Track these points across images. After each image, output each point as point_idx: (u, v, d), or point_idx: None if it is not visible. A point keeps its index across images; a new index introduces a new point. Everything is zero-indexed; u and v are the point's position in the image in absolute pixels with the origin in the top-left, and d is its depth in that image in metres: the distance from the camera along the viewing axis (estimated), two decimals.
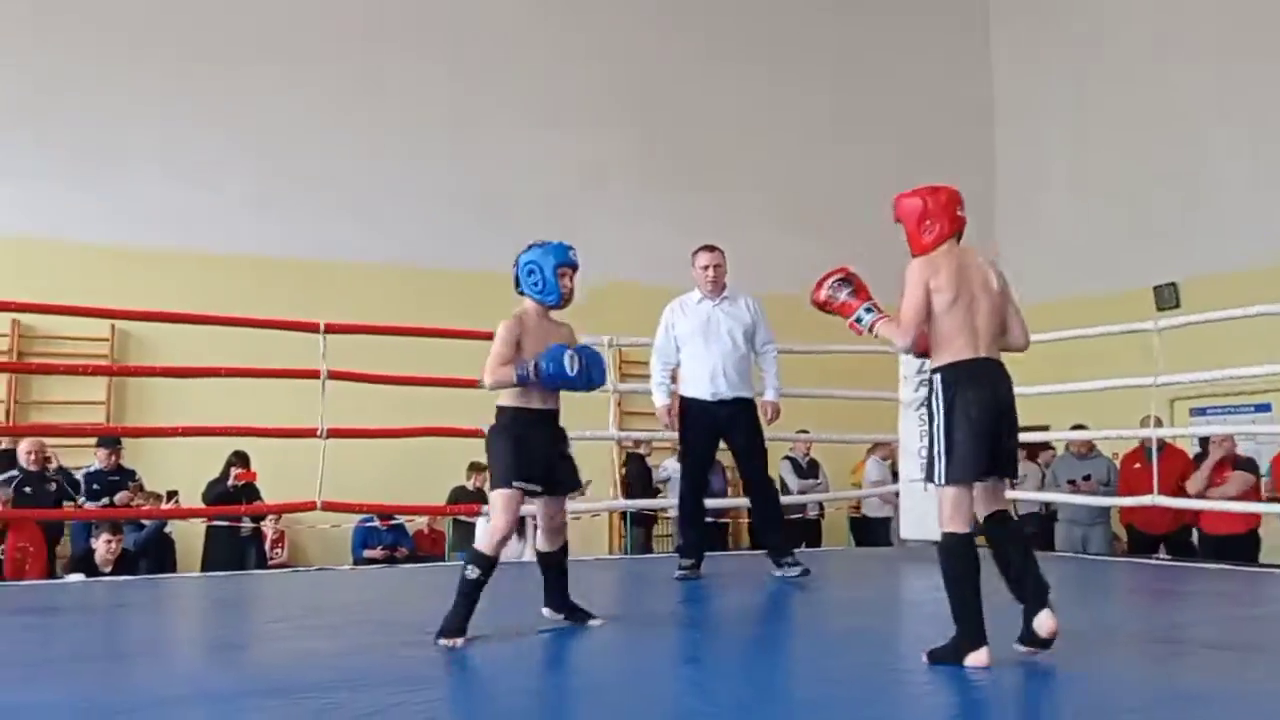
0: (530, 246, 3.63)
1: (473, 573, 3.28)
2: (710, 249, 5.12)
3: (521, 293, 3.63)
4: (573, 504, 8.07)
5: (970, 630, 2.89)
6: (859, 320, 3.22)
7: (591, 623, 3.61)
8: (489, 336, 6.44)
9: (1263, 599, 4.97)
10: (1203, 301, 8.12)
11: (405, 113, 10.56)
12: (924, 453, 3.25)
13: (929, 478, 3.03)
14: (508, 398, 3.53)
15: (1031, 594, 2.96)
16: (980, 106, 13.34)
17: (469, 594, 3.28)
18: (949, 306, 3.00)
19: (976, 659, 2.86)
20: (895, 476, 7.97)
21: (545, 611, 3.66)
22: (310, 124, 10.18)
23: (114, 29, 9.68)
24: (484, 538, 3.36)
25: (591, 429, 6.65)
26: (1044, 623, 2.91)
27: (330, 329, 5.77)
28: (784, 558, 4.99)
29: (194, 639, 4.13)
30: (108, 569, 6.40)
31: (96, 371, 8.08)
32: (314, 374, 5.65)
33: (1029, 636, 2.95)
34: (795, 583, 4.88)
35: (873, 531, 9.86)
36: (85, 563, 6.47)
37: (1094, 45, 12.07)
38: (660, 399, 5.21)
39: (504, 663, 3.21)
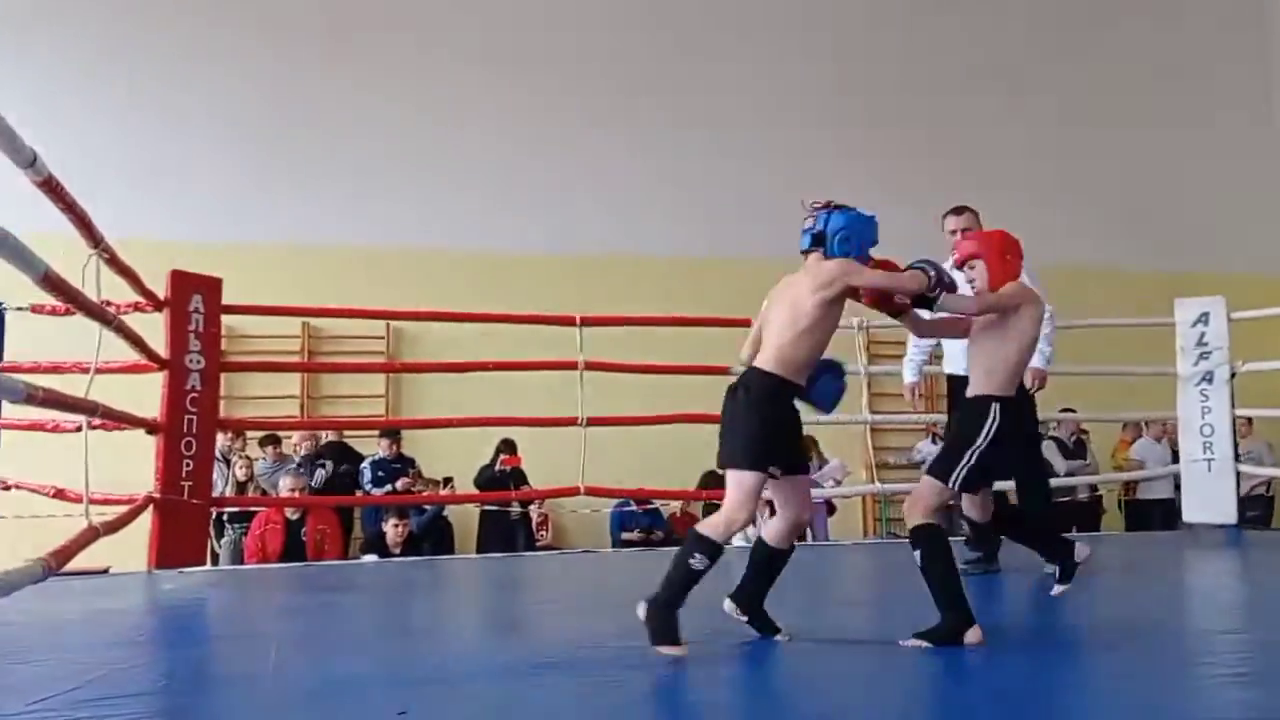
0: (838, 210, 3.19)
1: (700, 563, 2.97)
2: (959, 211, 4.75)
3: (827, 254, 3.15)
4: (827, 490, 8.14)
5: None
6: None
7: (779, 637, 3.22)
8: (728, 323, 6.58)
9: None
10: None
11: (670, 111, 10.82)
12: None
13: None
14: (778, 365, 3.09)
15: None
16: (1259, 68, 12.24)
17: (688, 586, 2.99)
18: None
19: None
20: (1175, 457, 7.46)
21: (729, 605, 3.29)
22: (575, 123, 10.60)
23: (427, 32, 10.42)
24: (717, 525, 3.03)
25: (845, 413, 6.61)
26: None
27: (585, 321, 6.00)
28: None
29: (479, 616, 4.41)
30: (397, 550, 6.94)
31: (377, 369, 8.77)
32: (572, 365, 5.90)
33: None
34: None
35: (1146, 514, 9.26)
36: (378, 544, 7.04)
37: None
38: (907, 376, 4.99)
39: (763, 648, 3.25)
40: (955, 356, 4.64)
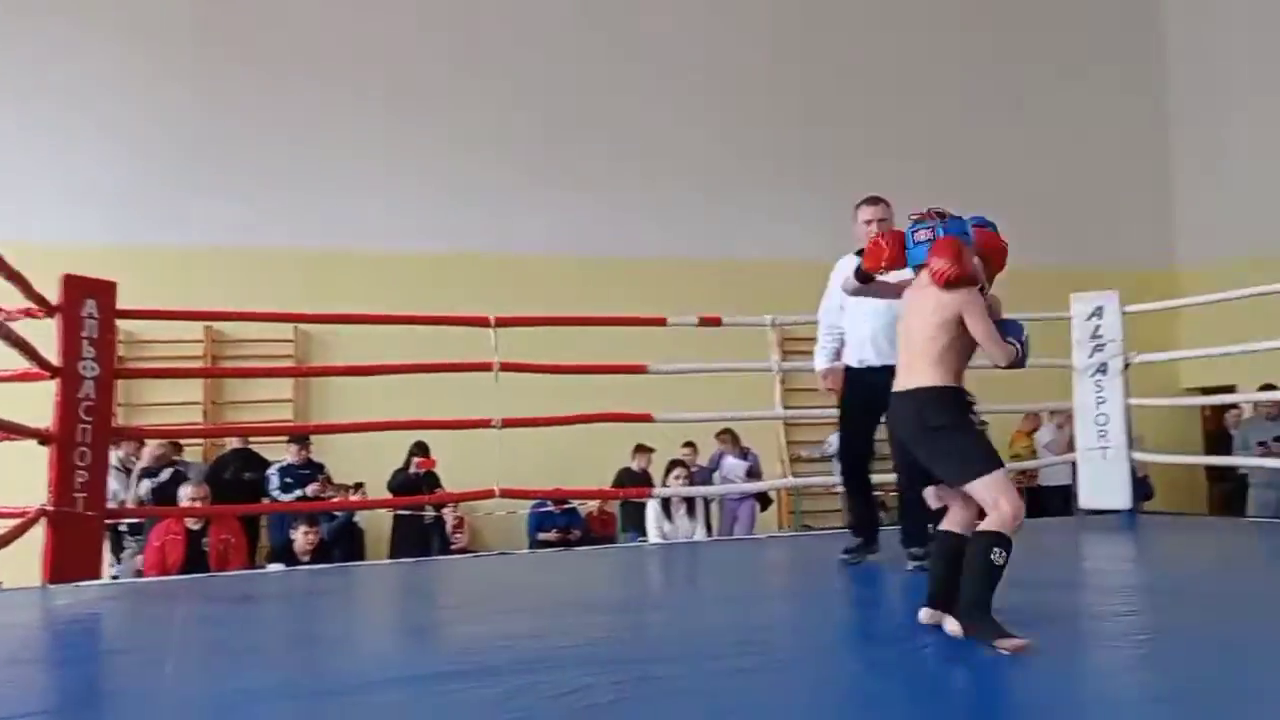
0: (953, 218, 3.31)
1: (1000, 557, 2.97)
2: (874, 201, 4.74)
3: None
4: (743, 485, 8.21)
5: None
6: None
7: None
8: (641, 322, 6.58)
9: None
10: None
11: (577, 105, 10.80)
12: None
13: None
14: (947, 377, 3.18)
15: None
16: (1152, 64, 12.72)
17: (995, 583, 2.98)
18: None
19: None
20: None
21: (926, 614, 3.21)
22: (483, 124, 10.52)
23: (282, 41, 10.24)
24: (1006, 518, 3.03)
25: (759, 409, 6.71)
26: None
27: (501, 322, 5.94)
28: (915, 547, 4.52)
29: (390, 623, 4.34)
30: (306, 558, 6.79)
31: (284, 373, 8.59)
32: (487, 366, 5.83)
33: None
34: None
35: (1046, 500, 9.54)
36: (285, 553, 6.89)
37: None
38: (820, 363, 4.94)
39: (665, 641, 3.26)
40: (861, 345, 4.67)
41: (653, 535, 6.77)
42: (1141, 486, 7.96)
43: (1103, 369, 6.49)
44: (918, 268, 3.29)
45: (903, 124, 11.56)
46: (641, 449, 8.75)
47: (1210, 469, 9.23)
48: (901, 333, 3.31)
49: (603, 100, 10.86)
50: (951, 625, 3.06)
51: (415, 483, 8.20)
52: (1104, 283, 6.76)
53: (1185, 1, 12.61)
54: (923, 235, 3.24)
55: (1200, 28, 12.28)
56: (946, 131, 11.67)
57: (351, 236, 9.99)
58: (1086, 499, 6.70)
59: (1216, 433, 9.43)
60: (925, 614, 3.18)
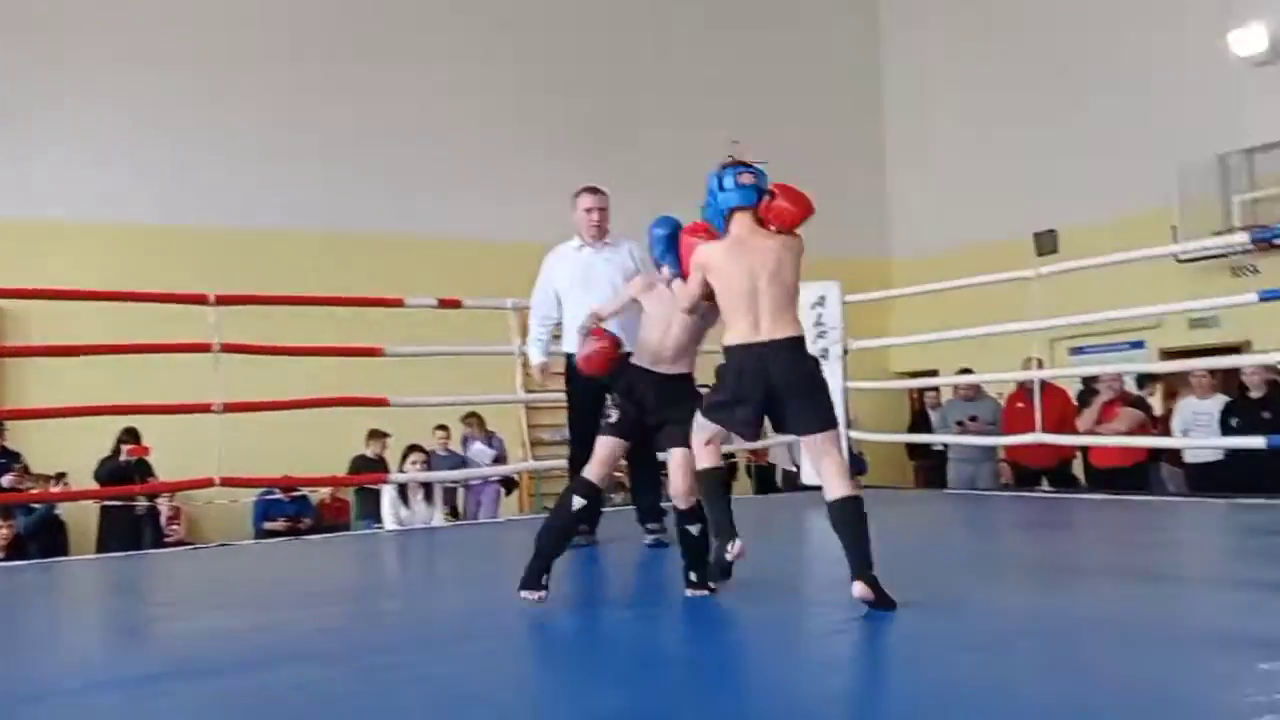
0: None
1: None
2: (594, 190, 4.78)
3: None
4: (487, 469, 8.18)
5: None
6: None
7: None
8: (373, 303, 6.40)
9: (1141, 527, 5.25)
10: (1080, 246, 8.48)
11: (318, 77, 10.33)
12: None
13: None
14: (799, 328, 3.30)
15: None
16: (867, 62, 13.61)
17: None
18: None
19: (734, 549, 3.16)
20: None
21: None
22: (203, 85, 9.88)
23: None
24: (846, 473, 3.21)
25: (501, 392, 6.68)
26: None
27: (221, 300, 5.59)
28: (651, 522, 4.61)
29: (93, 623, 4.01)
30: (0, 555, 6.19)
31: None
32: (205, 348, 5.47)
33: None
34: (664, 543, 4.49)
35: (772, 477, 10.09)
36: None
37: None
38: (535, 356, 4.82)
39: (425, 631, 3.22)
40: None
41: (388, 522, 6.62)
42: (857, 463, 8.55)
43: (824, 354, 6.91)
44: (733, 210, 3.29)
45: (634, 113, 11.81)
46: (375, 434, 8.54)
47: (913, 447, 10.03)
48: (744, 280, 3.20)
49: (344, 71, 10.46)
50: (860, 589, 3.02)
51: (125, 471, 7.62)
52: (826, 272, 7.17)
53: (897, 7, 13.59)
54: (746, 179, 3.27)
55: (910, 29, 13.28)
56: (670, 121, 11.99)
57: (60, 205, 9.14)
58: (808, 475, 7.12)
59: (920, 413, 10.26)
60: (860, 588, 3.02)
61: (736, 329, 3.21)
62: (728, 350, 3.24)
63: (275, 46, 10.29)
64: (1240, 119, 9.57)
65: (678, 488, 3.40)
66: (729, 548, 3.15)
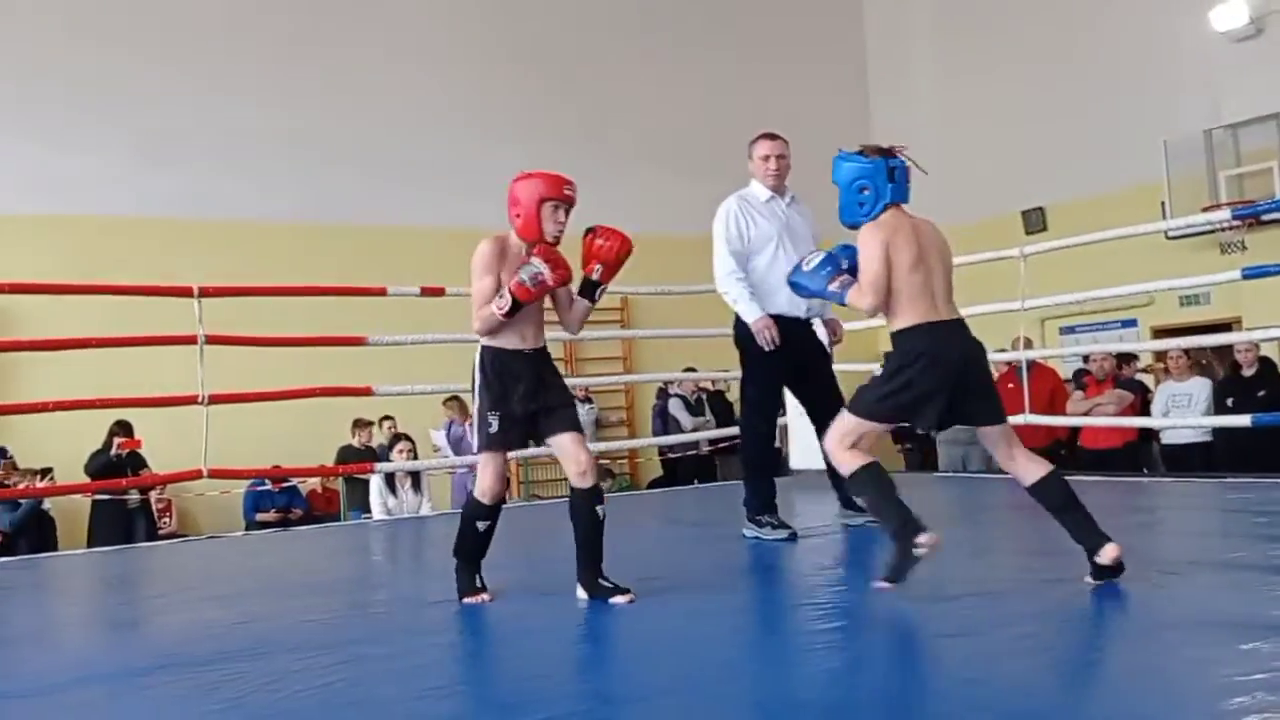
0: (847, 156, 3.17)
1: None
2: (771, 136, 4.34)
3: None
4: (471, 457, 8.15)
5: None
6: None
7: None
8: (359, 292, 6.39)
9: (1130, 508, 5.27)
10: (1068, 224, 8.49)
11: (281, 64, 10.26)
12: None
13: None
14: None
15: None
16: (851, 37, 13.57)
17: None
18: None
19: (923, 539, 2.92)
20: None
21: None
22: (177, 77, 9.81)
23: None
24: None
25: None
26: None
27: (205, 292, 5.57)
28: (853, 506, 4.40)
29: (83, 618, 4.01)
30: None
31: None
32: (191, 340, 5.45)
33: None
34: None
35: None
36: None
37: None
38: (754, 313, 4.17)
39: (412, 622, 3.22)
40: (774, 293, 4.19)
41: (377, 511, 6.61)
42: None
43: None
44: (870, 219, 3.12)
45: (624, 91, 11.78)
46: (361, 423, 8.54)
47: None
48: (920, 260, 3.06)
49: (317, 59, 10.40)
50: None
51: (117, 465, 7.60)
52: None
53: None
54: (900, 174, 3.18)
55: (894, 3, 13.27)
56: (653, 108, 11.95)
57: (42, 199, 9.09)
58: (797, 460, 7.12)
59: None
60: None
61: (915, 309, 3.03)
62: (907, 334, 3.03)
63: (274, 32, 10.23)
64: (1224, 95, 9.58)
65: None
66: (919, 539, 2.92)
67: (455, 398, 8.77)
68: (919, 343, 2.99)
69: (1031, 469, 3.04)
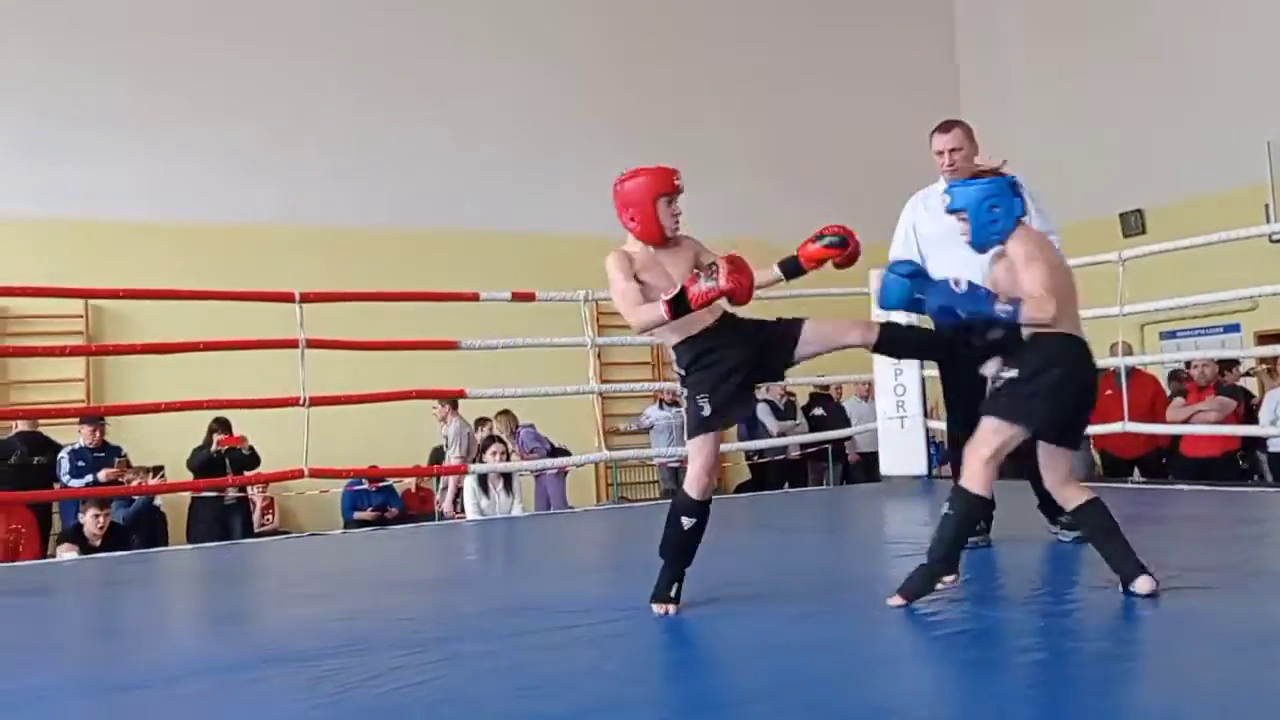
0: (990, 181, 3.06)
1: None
2: (943, 128, 3.96)
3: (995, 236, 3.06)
4: (561, 460, 8.26)
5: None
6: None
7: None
8: (451, 297, 6.50)
9: (1233, 520, 5.11)
10: (1167, 226, 8.24)
11: (388, 74, 10.51)
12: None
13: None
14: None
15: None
16: (942, 39, 13.36)
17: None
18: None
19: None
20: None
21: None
22: (285, 85, 10.12)
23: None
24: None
25: (573, 383, 6.76)
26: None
27: (306, 298, 5.74)
28: (1061, 517, 4.08)
29: (192, 611, 4.18)
30: (97, 542, 6.44)
31: (74, 352, 8.06)
32: (293, 343, 5.62)
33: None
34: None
35: (853, 468, 10.02)
36: (76, 536, 6.51)
37: None
38: None
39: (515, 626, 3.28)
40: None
41: (470, 512, 6.73)
42: (938, 452, 8.45)
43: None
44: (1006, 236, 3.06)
45: (716, 93, 11.78)
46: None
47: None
48: (1068, 282, 3.08)
49: (412, 66, 10.63)
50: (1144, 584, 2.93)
51: (218, 461, 7.87)
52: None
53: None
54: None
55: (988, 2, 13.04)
56: (765, 99, 11.93)
57: (156, 208, 9.47)
58: (887, 466, 7.06)
59: None
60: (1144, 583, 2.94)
61: (1068, 317, 3.00)
62: (1059, 339, 2.98)
63: (371, 40, 10.49)
64: None
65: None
66: (946, 579, 2.99)
67: (506, 411, 8.73)
68: (1069, 351, 3.00)
69: (1077, 495, 3.08)
